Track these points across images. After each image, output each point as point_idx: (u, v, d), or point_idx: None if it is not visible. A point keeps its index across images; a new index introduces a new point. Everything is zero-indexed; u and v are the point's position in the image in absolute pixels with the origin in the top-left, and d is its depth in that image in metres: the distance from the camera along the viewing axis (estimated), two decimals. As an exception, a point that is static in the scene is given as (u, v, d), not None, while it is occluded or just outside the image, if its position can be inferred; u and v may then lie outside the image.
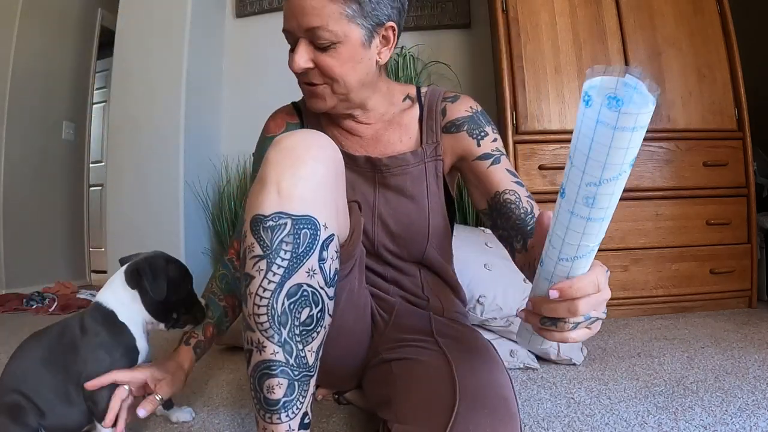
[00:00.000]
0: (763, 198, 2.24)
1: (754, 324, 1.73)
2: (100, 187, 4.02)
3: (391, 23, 0.84)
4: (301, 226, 0.62)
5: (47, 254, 3.22)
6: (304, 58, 0.82)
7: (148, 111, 2.51)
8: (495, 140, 0.91)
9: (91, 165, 3.69)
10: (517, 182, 0.87)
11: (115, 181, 2.60)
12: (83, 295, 2.64)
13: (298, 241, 0.62)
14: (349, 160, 0.92)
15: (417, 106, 0.96)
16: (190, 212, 2.47)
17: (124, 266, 0.87)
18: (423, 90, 0.98)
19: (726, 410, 0.98)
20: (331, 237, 0.66)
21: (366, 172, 0.93)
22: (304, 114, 1.00)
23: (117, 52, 2.63)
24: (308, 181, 0.64)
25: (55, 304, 2.44)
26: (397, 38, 0.87)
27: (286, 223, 0.62)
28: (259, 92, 2.73)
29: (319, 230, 0.64)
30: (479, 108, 0.95)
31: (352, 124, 0.95)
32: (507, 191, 0.85)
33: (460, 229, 1.58)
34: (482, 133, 0.91)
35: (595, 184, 0.40)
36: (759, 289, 2.08)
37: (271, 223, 0.62)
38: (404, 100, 0.97)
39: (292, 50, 0.84)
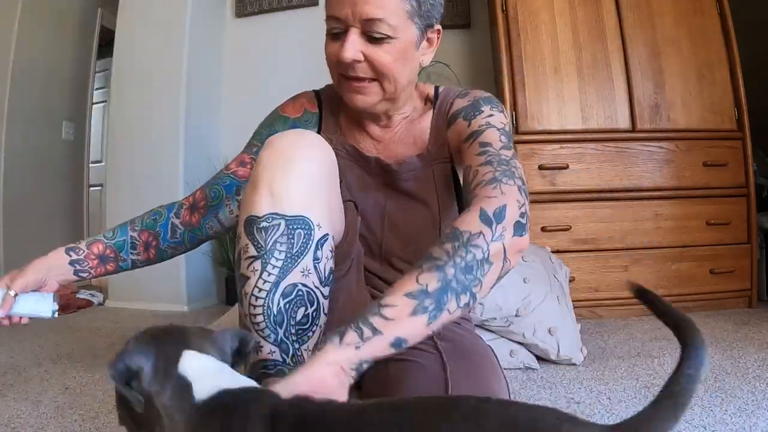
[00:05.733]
0: (763, 198, 2.24)
1: (754, 324, 1.73)
2: (100, 187, 4.01)
3: (438, 26, 0.82)
4: (295, 227, 0.63)
5: (47, 254, 3.22)
6: (355, 49, 0.76)
7: (147, 111, 2.51)
8: (490, 116, 0.81)
9: (91, 165, 3.68)
10: (485, 159, 0.73)
11: (115, 181, 2.60)
12: (83, 295, 2.64)
13: (293, 241, 0.62)
14: (362, 159, 0.90)
15: (432, 108, 0.92)
16: (190, 212, 2.47)
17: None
18: (440, 89, 0.93)
19: (726, 410, 0.98)
20: (325, 237, 0.66)
21: (377, 174, 0.90)
22: (324, 106, 0.95)
23: (117, 52, 2.63)
24: (301, 181, 0.64)
25: (55, 304, 2.43)
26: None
27: (279, 224, 0.62)
28: (259, 92, 2.72)
29: (313, 230, 0.64)
30: (486, 95, 0.86)
31: (373, 128, 0.91)
32: (469, 167, 0.74)
33: (460, 229, 1.58)
34: (476, 113, 0.82)
35: None
36: (759, 289, 2.08)
37: (264, 224, 0.62)
38: (425, 103, 0.92)
39: (334, 39, 0.79)
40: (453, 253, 0.59)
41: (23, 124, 3.02)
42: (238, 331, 0.58)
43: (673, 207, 2.01)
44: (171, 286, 2.42)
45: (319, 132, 0.94)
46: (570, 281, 1.72)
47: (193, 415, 0.47)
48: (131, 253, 0.86)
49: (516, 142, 2.00)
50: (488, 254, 0.60)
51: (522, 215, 0.64)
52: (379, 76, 0.79)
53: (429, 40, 0.83)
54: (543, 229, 1.97)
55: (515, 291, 1.36)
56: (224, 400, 0.47)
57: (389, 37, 0.75)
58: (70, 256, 0.82)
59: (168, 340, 0.52)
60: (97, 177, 3.93)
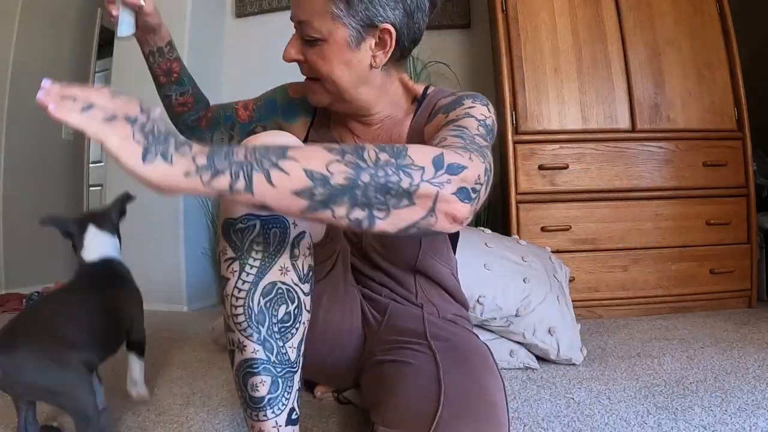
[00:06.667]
0: (763, 198, 2.24)
1: (753, 324, 1.73)
2: (100, 187, 4.01)
3: (386, 25, 0.77)
4: (270, 226, 0.63)
5: (47, 254, 3.22)
6: (294, 49, 0.82)
7: (148, 111, 2.51)
8: (471, 107, 0.76)
9: (90, 165, 3.69)
10: (458, 134, 0.68)
11: (115, 181, 2.60)
12: (83, 295, 2.64)
13: (269, 240, 0.63)
14: None
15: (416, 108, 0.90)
16: (190, 212, 2.47)
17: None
18: (430, 90, 0.91)
19: (726, 410, 0.98)
20: (301, 234, 0.66)
21: None
22: None
23: (117, 52, 2.63)
24: None
25: (55, 304, 2.43)
26: (405, 42, 0.80)
27: (255, 224, 0.63)
28: (259, 92, 2.72)
29: (289, 228, 0.64)
30: (472, 93, 0.82)
31: (353, 124, 0.92)
32: (439, 138, 0.70)
33: (459, 229, 1.58)
34: (457, 106, 0.78)
35: None
36: (759, 289, 2.08)
37: (240, 225, 0.63)
38: (412, 102, 0.91)
39: None
40: (382, 164, 0.52)
41: (23, 124, 3.02)
42: (117, 200, 1.13)
43: (672, 207, 2.01)
44: (171, 287, 2.42)
45: (312, 122, 0.98)
46: (570, 281, 1.72)
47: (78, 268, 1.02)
48: (178, 92, 1.11)
49: (516, 142, 2.00)
50: (416, 189, 0.53)
51: (474, 189, 0.57)
52: (318, 76, 0.82)
53: (381, 40, 0.79)
54: (543, 229, 1.98)
55: (515, 291, 1.36)
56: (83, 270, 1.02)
57: (318, 39, 0.78)
58: (171, 44, 1.01)
59: (85, 217, 1.05)
60: (97, 177, 3.92)
